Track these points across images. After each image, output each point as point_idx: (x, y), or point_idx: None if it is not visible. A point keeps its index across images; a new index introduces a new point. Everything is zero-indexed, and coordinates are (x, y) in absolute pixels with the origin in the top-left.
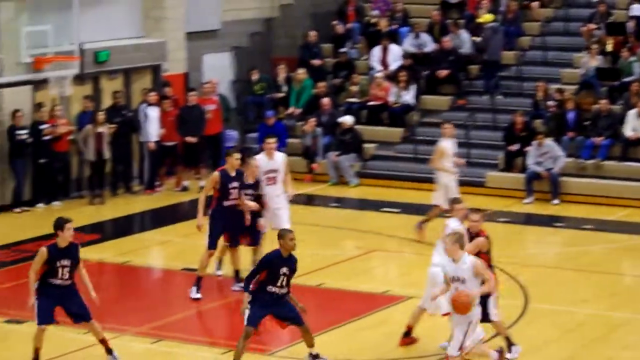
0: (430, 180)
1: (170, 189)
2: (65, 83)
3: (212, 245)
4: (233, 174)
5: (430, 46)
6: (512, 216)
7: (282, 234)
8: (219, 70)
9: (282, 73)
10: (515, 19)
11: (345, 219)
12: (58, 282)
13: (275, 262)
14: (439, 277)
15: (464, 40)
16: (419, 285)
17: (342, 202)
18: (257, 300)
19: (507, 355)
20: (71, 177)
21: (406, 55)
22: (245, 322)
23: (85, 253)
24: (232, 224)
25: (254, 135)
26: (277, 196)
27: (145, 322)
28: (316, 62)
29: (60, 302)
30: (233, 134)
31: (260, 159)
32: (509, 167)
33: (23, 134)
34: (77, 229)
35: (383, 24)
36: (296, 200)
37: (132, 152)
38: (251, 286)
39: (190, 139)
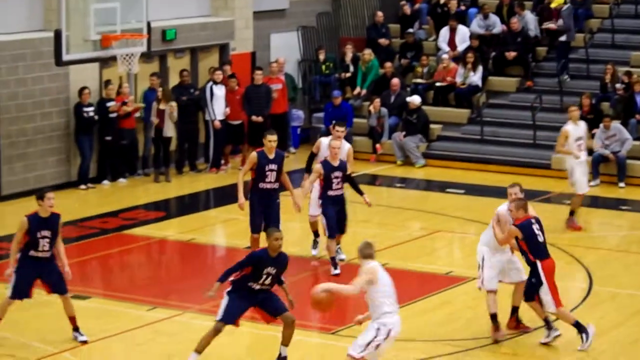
0: (495, 162)
1: (235, 167)
2: (132, 61)
3: (255, 229)
4: (272, 155)
5: (498, 27)
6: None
7: (268, 234)
8: (286, 49)
9: (349, 53)
10: (584, 0)
11: (410, 200)
12: (39, 254)
13: (262, 261)
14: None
15: (529, 21)
16: None
17: (407, 183)
18: (236, 291)
19: (579, 347)
20: (138, 155)
21: (473, 37)
22: (218, 317)
23: (149, 230)
24: (265, 207)
25: (320, 114)
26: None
27: (209, 300)
28: (383, 42)
29: (39, 274)
30: (299, 114)
31: (325, 142)
32: None
33: (90, 111)
34: (142, 206)
35: (452, 5)
36: (361, 180)
37: (198, 131)
38: (232, 278)
39: (256, 118)
